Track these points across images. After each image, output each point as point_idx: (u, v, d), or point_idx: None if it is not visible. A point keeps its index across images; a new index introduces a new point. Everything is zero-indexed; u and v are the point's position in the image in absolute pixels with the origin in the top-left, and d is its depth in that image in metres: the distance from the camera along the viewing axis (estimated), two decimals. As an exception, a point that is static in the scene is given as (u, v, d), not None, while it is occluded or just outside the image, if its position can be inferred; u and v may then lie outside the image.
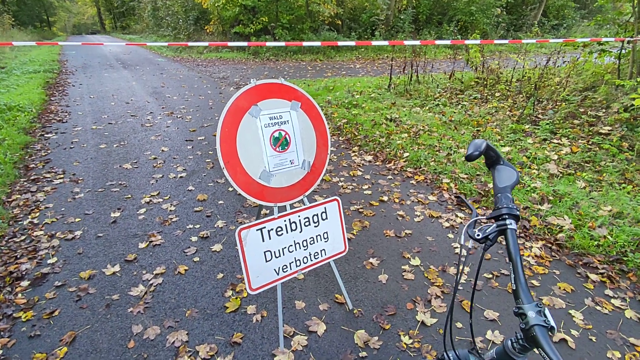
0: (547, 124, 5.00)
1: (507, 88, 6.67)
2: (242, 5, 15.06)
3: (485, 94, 6.55)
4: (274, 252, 1.78)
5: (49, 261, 2.48)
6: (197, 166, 4.04)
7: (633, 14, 5.54)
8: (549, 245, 2.74)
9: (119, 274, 2.37)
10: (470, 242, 0.84)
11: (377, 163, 4.22)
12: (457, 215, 3.13)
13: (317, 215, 1.91)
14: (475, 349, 0.83)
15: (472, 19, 15.49)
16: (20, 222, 2.94)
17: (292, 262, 1.84)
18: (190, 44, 5.04)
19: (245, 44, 5.00)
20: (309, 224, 1.89)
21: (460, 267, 0.79)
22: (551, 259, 2.58)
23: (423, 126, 5.25)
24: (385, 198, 3.39)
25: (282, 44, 5.12)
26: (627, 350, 1.87)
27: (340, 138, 5.08)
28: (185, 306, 2.11)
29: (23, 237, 2.75)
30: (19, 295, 2.19)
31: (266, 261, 1.76)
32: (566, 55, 7.56)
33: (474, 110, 5.81)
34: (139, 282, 2.29)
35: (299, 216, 1.84)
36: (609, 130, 4.72)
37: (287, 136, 1.81)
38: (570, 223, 2.94)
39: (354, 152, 4.57)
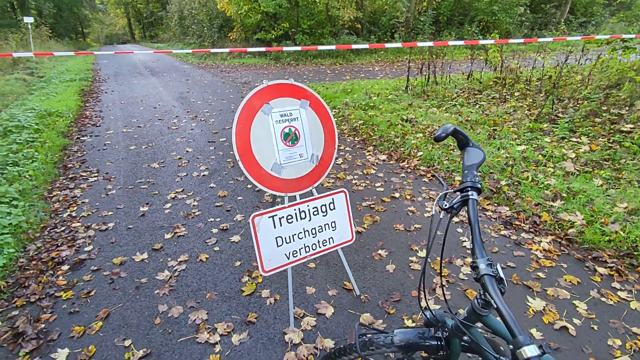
0: (567, 122, 4.95)
1: (527, 87, 6.61)
2: (264, 12, 15.46)
3: (504, 94, 6.51)
4: (285, 238, 1.94)
5: (85, 249, 2.74)
6: (219, 165, 4.27)
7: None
8: (559, 240, 2.77)
9: (147, 261, 2.60)
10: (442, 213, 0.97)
11: (391, 162, 4.33)
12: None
13: (325, 205, 2.06)
14: (449, 309, 0.95)
15: (494, 18, 15.27)
16: (60, 215, 3.24)
17: (302, 248, 1.99)
18: (212, 50, 5.33)
19: (263, 49, 5.23)
20: (318, 213, 2.04)
21: (432, 234, 0.90)
22: (559, 253, 2.62)
23: (439, 126, 5.29)
24: (397, 195, 3.50)
25: (298, 48, 5.32)
26: (629, 338, 1.91)
27: (355, 138, 5.21)
28: (206, 289, 2.30)
29: (63, 228, 3.03)
30: (60, 277, 2.44)
31: (277, 246, 1.92)
32: (590, 53, 7.39)
33: (492, 110, 5.81)
34: (165, 268, 2.51)
35: (308, 206, 2.00)
36: (631, 128, 4.64)
37: (296, 132, 1.97)
38: (582, 219, 2.96)
39: (368, 151, 4.69)
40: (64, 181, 3.95)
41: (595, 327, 1.98)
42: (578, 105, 5.47)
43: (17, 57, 14.12)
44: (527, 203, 3.26)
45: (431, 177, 3.88)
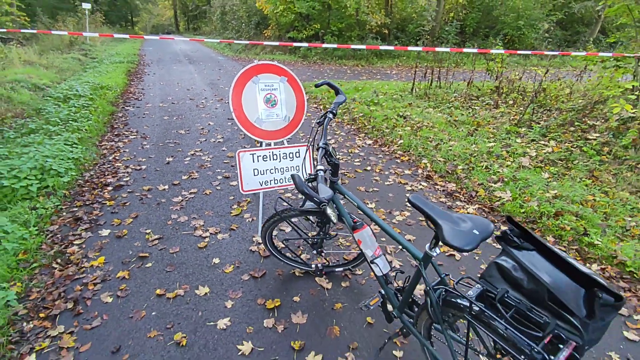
0: (541, 127, 5.55)
1: (522, 97, 7.17)
2: (297, 12, 16.44)
3: (498, 101, 7.11)
4: (260, 170, 2.79)
5: (124, 179, 3.72)
6: (232, 136, 5.19)
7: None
8: (483, 208, 3.49)
9: (167, 190, 3.53)
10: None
11: (375, 146, 5.11)
12: (420, 184, 3.94)
13: (292, 153, 2.89)
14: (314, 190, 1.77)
15: (519, 33, 15.57)
16: (107, 157, 4.25)
17: (272, 180, 2.83)
18: (235, 41, 6.28)
19: (276, 43, 6.12)
20: (286, 158, 2.88)
21: (312, 136, 1.54)
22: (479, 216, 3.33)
23: (427, 123, 6.01)
24: (369, 169, 4.28)
25: (333, 45, 6.17)
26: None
27: (352, 127, 6.01)
28: (206, 209, 3.20)
29: (108, 166, 4.03)
30: (106, 193, 3.41)
31: (254, 175, 2.78)
32: (594, 70, 7.82)
33: (480, 114, 6.45)
34: (179, 195, 3.43)
35: (279, 151, 2.84)
36: (596, 136, 5.20)
37: (275, 98, 2.83)
38: (510, 196, 3.65)
39: (359, 137, 5.49)
40: (111, 136, 4.99)
41: (476, 257, 2.71)
42: (559, 115, 6.03)
43: (72, 39, 15.79)
44: (472, 183, 3.97)
45: (403, 160, 4.63)
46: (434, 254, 1.38)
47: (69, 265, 2.43)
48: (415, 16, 16.26)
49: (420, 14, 16.02)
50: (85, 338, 1.91)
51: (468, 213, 3.39)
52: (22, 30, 8.55)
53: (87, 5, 18.26)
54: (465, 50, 7.08)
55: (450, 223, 1.30)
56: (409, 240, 2.88)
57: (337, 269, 2.41)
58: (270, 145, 2.85)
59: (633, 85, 5.10)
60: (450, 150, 4.82)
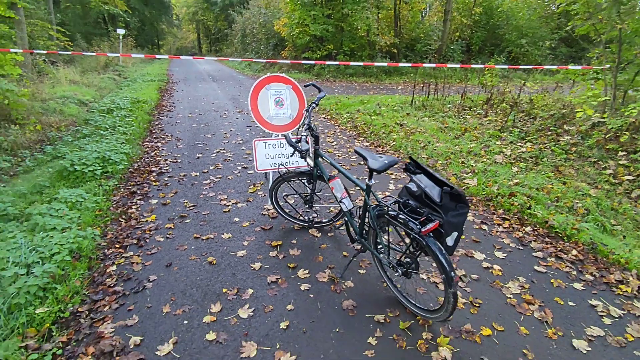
0: (520, 132, 6.29)
1: (510, 107, 7.91)
2: (312, 35, 17.69)
3: (488, 110, 7.87)
4: (270, 155, 3.68)
5: (164, 168, 4.68)
6: (250, 138, 6.15)
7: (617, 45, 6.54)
8: (452, 190, 4.26)
9: (198, 175, 4.47)
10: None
11: (371, 147, 5.95)
12: (403, 175, 4.75)
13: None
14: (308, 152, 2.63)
15: (523, 50, 16.31)
16: (149, 153, 5.26)
17: (279, 162, 3.71)
18: (255, 60, 7.30)
19: (288, 61, 7.11)
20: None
21: (303, 120, 2.52)
22: (447, 196, 4.11)
23: (421, 129, 6.82)
24: (362, 163, 5.12)
25: (336, 63, 7.14)
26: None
27: (354, 133, 6.89)
28: (228, 188, 4.10)
29: (151, 159, 5.01)
30: (151, 176, 4.37)
31: (265, 159, 3.66)
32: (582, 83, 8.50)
33: (469, 121, 7.23)
34: (208, 179, 4.36)
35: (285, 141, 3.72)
36: (568, 139, 5.90)
37: (282, 101, 3.74)
38: (476, 182, 4.41)
39: (358, 141, 6.35)
40: (150, 139, 6.03)
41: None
42: (539, 122, 6.75)
43: (107, 61, 17.45)
44: (447, 173, 4.75)
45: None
46: (371, 183, 2.23)
47: (131, 220, 3.36)
48: (423, 36, 17.25)
49: (427, 34, 17.01)
50: (148, 258, 2.80)
51: (439, 194, 4.18)
52: (76, 53, 9.90)
53: (121, 31, 20.12)
54: (449, 65, 7.90)
55: (372, 158, 2.15)
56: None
57: (324, 222, 3.25)
58: (278, 136, 3.74)
59: (593, 93, 5.80)
60: (435, 150, 5.61)
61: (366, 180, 2.28)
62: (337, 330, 2.15)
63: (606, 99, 5.79)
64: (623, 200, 4.24)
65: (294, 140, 2.51)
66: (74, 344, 2.01)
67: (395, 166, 4.85)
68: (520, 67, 7.01)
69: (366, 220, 2.41)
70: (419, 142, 6.00)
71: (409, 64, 6.14)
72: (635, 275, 2.75)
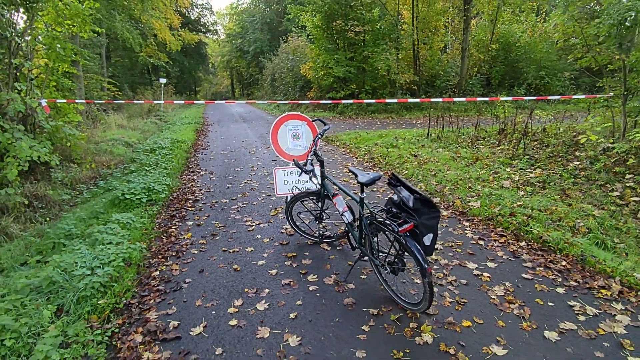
0: (529, 158, 6.56)
1: (522, 135, 8.18)
2: (336, 76, 18.85)
3: (501, 140, 8.18)
4: (287, 180, 4.24)
5: (199, 197, 5.36)
6: (274, 171, 6.79)
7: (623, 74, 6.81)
8: (454, 212, 4.61)
9: (228, 202, 5.09)
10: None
11: (385, 176, 6.41)
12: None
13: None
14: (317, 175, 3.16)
15: (544, 82, 16.55)
16: (186, 185, 5.99)
17: (295, 187, 4.25)
18: (280, 102, 8.12)
19: (308, 102, 7.86)
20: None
21: (313, 146, 3.07)
22: (449, 217, 4.47)
23: (434, 159, 7.23)
24: (374, 189, 5.58)
25: (350, 101, 7.84)
26: (451, 239, 3.75)
27: (370, 164, 7.40)
28: (253, 212, 4.67)
29: (188, 189, 5.73)
30: (188, 204, 5.04)
31: (284, 184, 4.23)
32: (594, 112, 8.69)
33: (482, 150, 7.57)
34: (236, 205, 4.96)
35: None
36: (577, 164, 6.12)
37: (299, 134, 4.35)
38: (480, 205, 4.73)
39: (374, 170, 6.84)
40: (187, 172, 6.81)
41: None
42: (550, 149, 6.99)
43: (150, 107, 19.26)
44: (453, 197, 5.11)
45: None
46: (363, 196, 2.71)
47: (171, 237, 3.97)
48: (442, 73, 17.94)
49: (445, 71, 17.69)
50: (184, 266, 3.35)
51: (443, 216, 4.54)
52: (126, 102, 11.25)
53: (163, 80, 22.26)
54: (456, 99, 8.35)
55: (361, 175, 2.65)
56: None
57: (333, 237, 3.71)
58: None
59: (596, 120, 6.06)
60: (445, 177, 5.99)
61: (359, 193, 2.77)
62: (337, 320, 2.56)
63: (609, 124, 6.02)
64: (629, 220, 4.42)
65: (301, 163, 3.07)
66: (127, 325, 2.54)
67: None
68: (526, 97, 7.34)
69: (363, 228, 2.87)
70: (430, 171, 6.40)
71: (418, 99, 6.68)
72: (618, 282, 2.98)
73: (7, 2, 5.62)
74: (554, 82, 16.32)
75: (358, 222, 2.91)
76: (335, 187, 3.22)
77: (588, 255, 3.39)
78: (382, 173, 3.29)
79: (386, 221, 2.46)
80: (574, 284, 2.99)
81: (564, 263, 3.31)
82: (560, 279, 3.06)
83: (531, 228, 4.00)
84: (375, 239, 2.75)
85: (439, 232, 3.95)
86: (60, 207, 5.65)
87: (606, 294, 2.82)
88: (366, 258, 2.98)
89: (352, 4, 16.79)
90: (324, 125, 3.46)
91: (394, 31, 17.84)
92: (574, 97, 7.60)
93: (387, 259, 2.66)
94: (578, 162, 6.11)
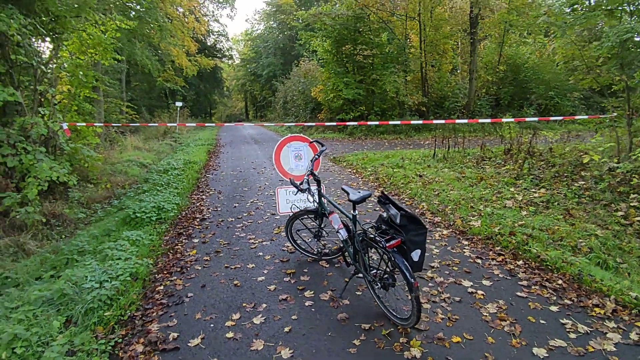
0: (534, 178, 6.58)
1: (530, 156, 8.20)
2: (345, 98, 19.25)
3: (507, 160, 8.21)
4: (289, 200, 4.39)
5: (206, 215, 5.54)
6: (281, 190, 6.97)
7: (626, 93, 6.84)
8: (454, 231, 4.66)
9: (233, 221, 5.25)
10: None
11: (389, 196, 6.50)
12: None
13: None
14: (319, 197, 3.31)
15: (554, 102, 16.55)
16: (195, 204, 6.20)
17: (294, 205, 4.39)
18: (286, 124, 8.38)
19: (314, 124, 8.09)
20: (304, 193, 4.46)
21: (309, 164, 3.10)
22: (449, 236, 4.52)
23: (438, 179, 7.30)
24: (377, 209, 5.67)
25: (354, 123, 8.06)
26: (449, 257, 3.80)
27: (375, 184, 7.51)
28: (257, 230, 4.82)
29: (196, 208, 5.93)
30: (195, 222, 5.22)
31: (285, 203, 4.38)
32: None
33: (487, 170, 7.61)
34: (241, 223, 5.12)
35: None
36: (582, 184, 6.11)
37: (301, 155, 4.53)
38: (480, 224, 4.77)
39: (378, 190, 6.94)
40: (197, 192, 7.05)
41: (436, 251, 3.91)
42: (556, 168, 7.00)
43: (166, 129, 19.90)
44: (455, 216, 5.16)
45: (407, 204, 5.95)
46: (355, 214, 2.83)
47: (177, 254, 4.13)
48: (450, 94, 18.14)
49: (454, 92, 17.89)
50: (187, 281, 3.49)
51: (443, 235, 4.59)
52: (142, 125, 11.73)
53: (179, 104, 23.05)
54: (457, 121, 8.46)
55: (353, 193, 2.78)
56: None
57: (332, 256, 3.81)
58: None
59: (598, 140, 6.08)
60: (447, 197, 6.05)
61: (351, 211, 2.90)
62: (330, 334, 2.64)
63: (612, 144, 6.04)
64: (632, 240, 4.40)
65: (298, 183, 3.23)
66: (130, 336, 2.67)
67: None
68: (527, 119, 7.42)
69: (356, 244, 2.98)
70: (433, 191, 6.47)
71: (420, 121, 6.86)
72: (613, 300, 2.99)
73: (34, 33, 6.08)
74: (563, 102, 16.32)
75: (352, 241, 3.02)
76: (331, 205, 3.36)
77: (585, 274, 3.40)
78: (371, 191, 3.43)
79: (376, 237, 2.57)
80: (568, 302, 3.01)
81: (560, 282, 3.32)
82: (554, 298, 3.08)
83: (530, 247, 4.02)
84: (367, 255, 2.86)
85: (437, 250, 4.03)
86: (76, 225, 5.91)
87: (599, 312, 2.83)
88: (361, 274, 3.07)
89: (360, 29, 17.33)
90: (322, 147, 3.64)
91: (402, 54, 18.25)
92: (576, 117, 7.60)
93: (377, 275, 2.75)
94: (583, 182, 6.10)
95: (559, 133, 9.41)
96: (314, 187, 3.46)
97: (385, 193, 2.72)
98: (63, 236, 5.36)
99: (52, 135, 6.46)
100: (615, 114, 6.68)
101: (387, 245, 2.41)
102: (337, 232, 3.19)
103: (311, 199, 3.51)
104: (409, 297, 2.45)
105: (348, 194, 2.90)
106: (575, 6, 6.33)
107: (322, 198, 3.45)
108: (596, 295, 3.09)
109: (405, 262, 2.42)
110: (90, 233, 4.94)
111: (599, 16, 6.22)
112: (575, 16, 6.20)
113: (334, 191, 6.76)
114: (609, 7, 6.16)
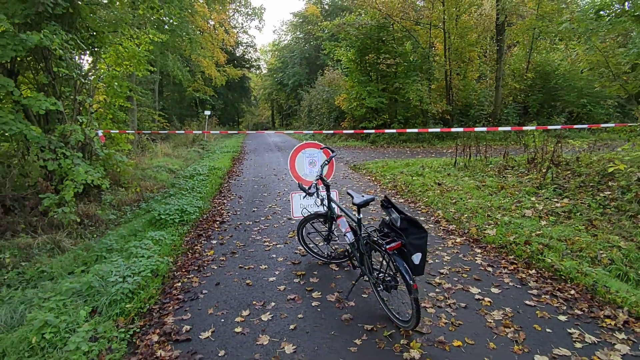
0: (557, 187, 6.41)
1: (554, 165, 7.97)
2: (368, 107, 19.34)
3: (530, 169, 8.02)
4: (303, 204, 4.53)
5: (226, 218, 5.78)
6: (299, 196, 7.13)
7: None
8: (467, 239, 4.64)
9: (251, 224, 5.45)
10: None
11: (405, 203, 6.53)
12: (429, 225, 5.22)
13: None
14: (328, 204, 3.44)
15: (586, 109, 15.94)
16: (216, 207, 6.46)
17: (305, 209, 4.51)
18: (305, 131, 8.57)
19: (331, 131, 8.23)
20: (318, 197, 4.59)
21: (322, 170, 3.11)
22: (462, 243, 4.51)
23: (457, 188, 7.24)
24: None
25: (372, 131, 8.16)
26: (460, 264, 3.81)
27: (393, 191, 7.54)
28: (273, 234, 4.99)
29: (216, 212, 6.18)
30: (216, 225, 5.46)
31: (299, 208, 4.52)
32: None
33: (509, 180, 7.47)
34: (258, 227, 5.31)
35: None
36: (608, 194, 5.91)
37: (315, 162, 4.68)
38: (495, 233, 4.72)
39: (395, 198, 6.97)
40: (219, 197, 7.33)
41: (445, 260, 3.92)
42: (581, 178, 6.78)
43: (195, 137, 20.62)
44: (470, 224, 5.12)
45: (423, 212, 5.95)
46: (360, 217, 2.93)
47: (195, 254, 4.35)
48: (476, 102, 17.85)
49: (479, 100, 17.59)
50: (203, 279, 3.69)
51: (456, 243, 4.58)
52: (170, 132, 12.30)
53: (207, 112, 23.89)
54: (476, 129, 8.37)
55: (357, 197, 2.88)
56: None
57: (341, 259, 3.91)
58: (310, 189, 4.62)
59: (624, 149, 5.86)
60: (465, 205, 6.00)
61: (357, 215, 3.00)
62: (333, 333, 2.74)
63: (638, 154, 5.81)
64: (659, 252, 4.22)
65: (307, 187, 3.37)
66: (147, 327, 2.88)
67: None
68: (549, 127, 7.23)
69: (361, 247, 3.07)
70: (451, 199, 6.43)
71: (438, 129, 6.85)
72: (626, 312, 2.91)
73: (75, 47, 6.60)
74: (597, 110, 15.68)
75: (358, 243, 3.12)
76: (339, 209, 3.47)
77: (600, 285, 3.32)
78: (374, 196, 3.49)
79: (378, 240, 2.66)
80: (578, 312, 2.96)
81: (572, 292, 3.27)
82: (564, 307, 3.03)
83: (545, 257, 3.96)
84: (371, 257, 2.94)
85: (448, 257, 4.05)
86: (107, 225, 6.30)
87: (610, 324, 2.77)
88: (367, 277, 3.16)
89: (384, 38, 17.44)
90: (332, 153, 3.77)
91: (426, 62, 18.17)
92: (602, 125, 7.34)
93: (379, 276, 2.82)
94: (609, 192, 5.90)
95: (586, 142, 9.08)
96: (323, 192, 3.59)
97: (389, 197, 2.81)
98: (95, 235, 5.74)
99: (88, 142, 6.94)
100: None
101: (387, 247, 2.50)
102: (345, 235, 3.29)
103: (319, 203, 3.64)
104: (409, 298, 2.51)
105: (352, 197, 3.01)
106: (601, 12, 6.19)
107: (331, 202, 3.57)
108: (609, 306, 3.02)
109: (405, 265, 2.49)
110: (119, 233, 5.27)
111: (626, 22, 6.05)
112: (601, 23, 6.05)
113: (347, 197, 6.86)
114: (636, 13, 5.99)
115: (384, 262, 2.75)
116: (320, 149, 4.36)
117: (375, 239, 2.73)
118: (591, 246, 4.32)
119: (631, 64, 5.95)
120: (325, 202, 3.61)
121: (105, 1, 7.62)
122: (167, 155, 14.18)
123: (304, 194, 4.47)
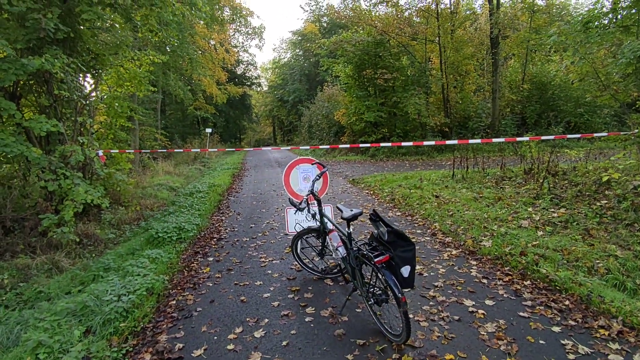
0: (553, 198, 6.42)
1: (551, 176, 7.99)
2: (367, 121, 19.51)
3: (527, 180, 8.03)
4: (297, 219, 4.56)
5: (223, 235, 5.80)
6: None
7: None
8: (463, 251, 4.63)
9: (248, 240, 5.48)
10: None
11: (402, 216, 6.54)
12: (425, 238, 5.23)
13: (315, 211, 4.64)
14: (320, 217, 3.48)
15: (584, 119, 16.02)
16: (214, 224, 6.49)
17: (299, 224, 4.54)
18: (301, 147, 8.66)
19: (327, 146, 8.32)
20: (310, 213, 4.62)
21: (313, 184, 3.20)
22: (458, 255, 4.51)
23: (455, 200, 7.26)
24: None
25: (367, 145, 8.23)
26: (454, 277, 3.80)
27: (391, 204, 7.56)
28: (269, 250, 5.00)
29: (214, 229, 6.21)
30: (213, 242, 5.48)
31: (294, 223, 4.55)
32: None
33: (506, 190, 7.48)
34: (254, 243, 5.33)
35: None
36: (604, 203, 5.91)
37: (309, 177, 4.73)
38: (491, 244, 4.72)
39: (392, 211, 6.99)
40: (217, 213, 7.38)
41: (441, 272, 3.92)
42: (578, 187, 6.79)
43: (196, 154, 20.80)
44: (466, 236, 5.13)
45: (419, 224, 5.96)
46: (350, 231, 2.96)
47: (191, 271, 4.37)
48: (474, 114, 17.98)
49: (477, 112, 17.73)
50: (198, 297, 3.70)
51: (452, 255, 4.58)
52: (170, 150, 12.41)
53: (209, 130, 24.17)
54: (471, 141, 8.42)
55: (345, 211, 2.92)
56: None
57: (334, 274, 3.91)
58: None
59: (618, 158, 5.89)
60: (462, 217, 6.01)
61: (346, 229, 3.03)
62: (325, 348, 2.74)
63: (631, 162, 5.84)
64: (656, 261, 4.21)
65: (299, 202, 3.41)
66: (140, 345, 2.89)
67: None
68: (543, 137, 7.28)
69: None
70: (448, 211, 6.44)
71: (433, 142, 6.93)
72: (620, 322, 2.90)
73: (76, 70, 6.77)
74: (594, 119, 15.75)
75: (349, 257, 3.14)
76: (330, 223, 3.51)
77: (594, 295, 3.31)
78: (361, 209, 3.53)
79: (367, 254, 2.69)
80: (572, 323, 2.94)
81: (567, 302, 3.25)
82: (558, 318, 3.02)
83: (540, 267, 3.95)
84: (362, 271, 2.96)
85: (443, 270, 4.04)
86: (106, 244, 6.33)
87: (604, 334, 2.76)
88: (359, 291, 3.16)
89: (380, 54, 17.74)
90: (323, 168, 3.83)
91: (423, 76, 18.41)
92: (595, 135, 7.39)
93: (370, 290, 2.83)
94: (605, 201, 5.90)
95: (582, 151, 9.11)
96: (314, 207, 3.63)
97: (377, 211, 2.84)
98: (93, 255, 5.77)
99: (88, 162, 7.04)
100: (637, 130, 6.46)
101: (375, 261, 2.52)
102: (336, 249, 3.31)
103: (310, 218, 3.67)
104: (399, 312, 2.52)
105: (341, 212, 3.05)
106: (589, 24, 6.31)
107: (324, 217, 3.61)
108: (603, 316, 3.00)
109: (394, 278, 2.51)
110: (117, 252, 5.31)
111: (614, 33, 6.16)
112: (589, 35, 6.17)
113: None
114: (624, 24, 6.11)
115: (374, 276, 2.77)
116: (313, 164, 4.42)
117: (365, 252, 2.76)
118: (588, 256, 4.31)
119: (621, 73, 6.02)
120: (317, 217, 3.65)
121: (107, 25, 7.85)
122: (168, 173, 14.30)
123: (295, 208, 4.53)
